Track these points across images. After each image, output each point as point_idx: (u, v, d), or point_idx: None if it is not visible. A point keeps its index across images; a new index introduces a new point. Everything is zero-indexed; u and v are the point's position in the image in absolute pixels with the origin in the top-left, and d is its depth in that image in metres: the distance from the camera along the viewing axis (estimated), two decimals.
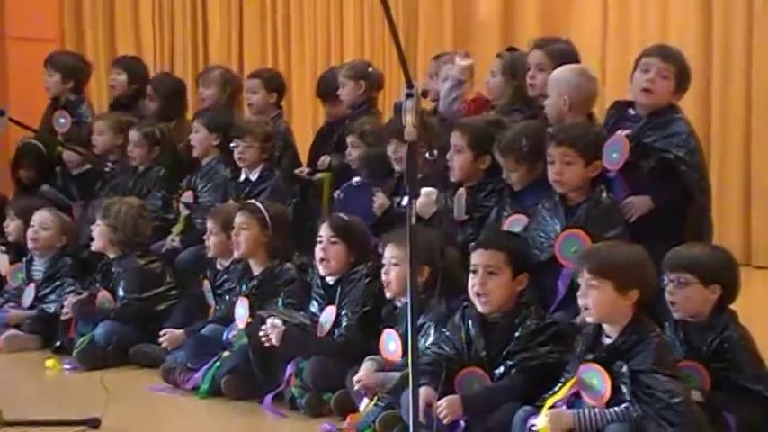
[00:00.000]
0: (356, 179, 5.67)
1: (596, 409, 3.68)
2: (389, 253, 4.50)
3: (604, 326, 3.82)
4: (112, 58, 8.10)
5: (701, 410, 3.70)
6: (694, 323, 3.97)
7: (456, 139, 4.81)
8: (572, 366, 3.87)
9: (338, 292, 4.80)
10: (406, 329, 3.32)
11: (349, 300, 4.75)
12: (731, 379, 3.88)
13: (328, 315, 4.80)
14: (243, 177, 6.01)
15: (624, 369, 3.67)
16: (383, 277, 4.52)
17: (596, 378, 3.74)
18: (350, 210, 5.36)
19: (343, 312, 4.74)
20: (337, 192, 5.75)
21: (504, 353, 4.05)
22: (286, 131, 6.58)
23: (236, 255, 5.26)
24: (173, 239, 6.09)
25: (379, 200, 5.43)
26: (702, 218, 4.60)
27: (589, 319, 3.81)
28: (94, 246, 5.73)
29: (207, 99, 6.62)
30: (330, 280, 4.88)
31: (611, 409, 3.67)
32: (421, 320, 4.32)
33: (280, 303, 5.02)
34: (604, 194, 4.50)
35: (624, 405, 3.66)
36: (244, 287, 5.20)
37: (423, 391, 3.90)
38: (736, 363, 3.90)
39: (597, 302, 3.76)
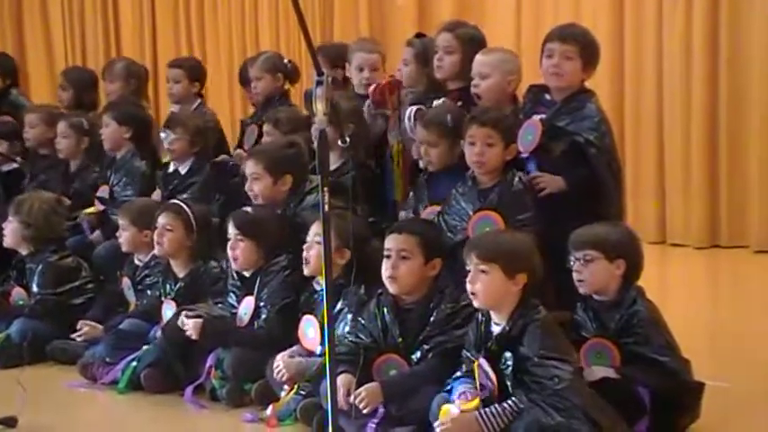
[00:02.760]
0: None
1: (495, 407, 3.73)
2: (314, 230, 4.49)
3: (492, 314, 3.87)
4: (21, 52, 7.96)
5: (593, 393, 3.75)
6: (603, 301, 4.06)
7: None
8: (468, 349, 3.93)
9: (256, 284, 4.79)
10: (323, 317, 3.35)
11: (268, 292, 4.75)
12: (640, 352, 3.95)
13: (247, 306, 4.79)
14: (172, 168, 5.95)
15: (509, 358, 3.73)
16: (304, 253, 4.50)
17: (488, 372, 3.80)
18: None
19: (263, 304, 4.74)
20: None
21: (420, 338, 4.10)
22: (213, 119, 6.53)
23: (157, 254, 5.24)
24: (82, 216, 6.01)
25: None
26: (612, 199, 4.65)
27: (477, 304, 3.85)
28: (6, 242, 5.66)
29: (112, 93, 6.55)
30: (247, 273, 4.87)
31: (507, 403, 3.72)
32: (339, 306, 4.34)
33: (210, 304, 4.98)
34: (517, 178, 4.55)
35: (511, 400, 3.72)
36: (168, 288, 5.18)
37: (341, 378, 3.95)
38: (645, 336, 3.97)
39: (485, 287, 3.81)
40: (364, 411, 3.94)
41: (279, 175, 5.04)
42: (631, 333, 4.00)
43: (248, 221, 4.85)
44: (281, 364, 4.40)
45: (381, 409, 3.98)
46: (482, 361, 3.80)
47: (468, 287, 3.85)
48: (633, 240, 4.17)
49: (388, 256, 4.17)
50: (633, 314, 4.01)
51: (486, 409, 3.73)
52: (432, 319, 4.11)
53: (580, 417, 3.61)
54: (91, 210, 6.09)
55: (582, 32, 4.77)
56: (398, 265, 4.14)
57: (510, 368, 3.75)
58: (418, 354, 4.10)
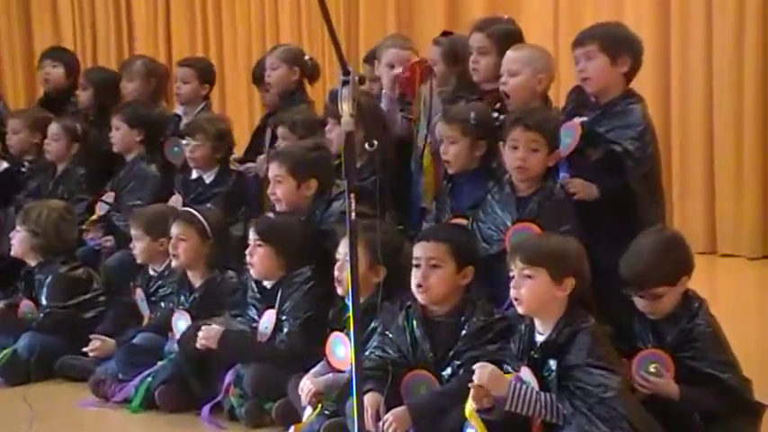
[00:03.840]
0: None
1: (532, 389, 3.73)
2: (343, 249, 4.46)
3: (537, 323, 3.87)
4: (28, 50, 8.01)
5: (640, 407, 3.76)
6: (662, 314, 4.07)
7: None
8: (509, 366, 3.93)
9: (278, 296, 4.81)
10: (354, 333, 3.38)
11: (290, 304, 4.77)
12: (697, 367, 3.98)
13: (268, 320, 4.82)
14: (195, 175, 6.00)
15: (553, 367, 3.73)
16: (335, 273, 4.48)
17: (530, 382, 3.81)
18: None
19: (284, 318, 4.77)
20: None
21: (451, 353, 4.10)
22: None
23: (174, 265, 5.27)
24: (85, 228, 6.05)
25: None
26: (648, 209, 4.62)
27: (521, 311, 3.86)
28: (14, 252, 5.72)
29: (130, 93, 6.60)
30: (267, 284, 4.90)
31: (547, 394, 3.72)
32: (374, 324, 4.34)
33: (227, 317, 5.01)
34: (558, 186, 4.53)
35: (550, 395, 3.72)
36: (183, 299, 5.21)
37: (368, 397, 3.97)
38: (703, 351, 4.00)
39: (530, 293, 3.81)
40: None
41: (303, 179, 5.05)
42: (689, 347, 4.02)
43: (269, 226, 4.88)
44: (307, 382, 4.38)
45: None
46: (524, 370, 3.80)
47: (512, 293, 3.84)
48: (687, 248, 4.16)
49: (418, 266, 4.18)
50: (693, 328, 4.03)
51: (524, 386, 3.74)
52: (463, 332, 4.12)
53: (625, 428, 3.61)
54: (92, 218, 6.13)
55: (601, 29, 4.76)
56: (428, 274, 4.15)
57: (553, 376, 3.74)
58: (449, 370, 4.10)
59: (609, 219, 4.40)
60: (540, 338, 3.86)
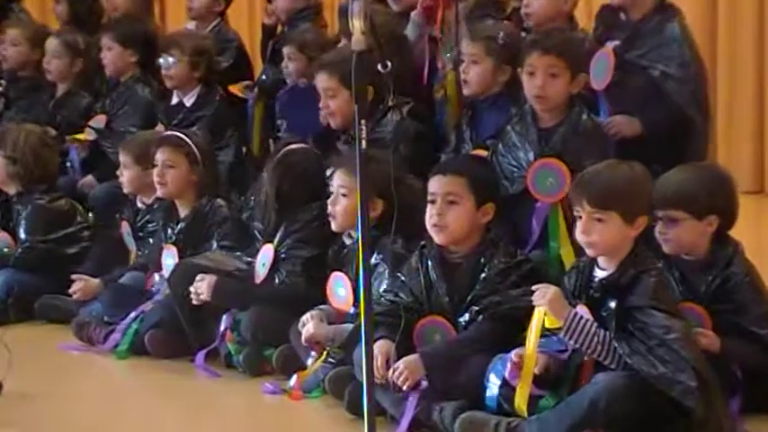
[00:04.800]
0: (303, 80, 5.61)
1: (592, 321, 3.72)
2: (338, 181, 4.52)
3: (600, 259, 3.86)
4: None
5: (700, 351, 3.76)
6: (692, 261, 4.06)
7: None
8: None
9: (279, 231, 4.84)
10: (358, 272, 3.36)
11: (292, 242, 4.81)
12: (736, 323, 3.97)
13: (265, 256, 4.84)
14: (175, 100, 6.00)
15: (612, 305, 3.72)
16: (329, 208, 4.54)
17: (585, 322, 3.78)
18: (292, 116, 5.35)
19: (284, 257, 4.80)
20: (280, 93, 5.69)
21: (470, 298, 4.10)
22: (237, 39, 6.55)
23: (160, 194, 5.29)
24: (68, 141, 6.05)
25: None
26: (700, 139, 4.65)
27: (591, 254, 3.85)
28: None
29: (116, 8, 6.57)
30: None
31: (606, 332, 3.70)
32: (373, 261, 4.33)
33: (214, 247, 5.09)
34: (585, 116, 4.51)
35: (608, 334, 3.71)
36: (170, 231, 5.23)
37: (378, 345, 3.96)
38: (741, 304, 3.98)
39: (603, 238, 3.78)
40: (404, 388, 3.95)
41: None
42: (726, 299, 4.00)
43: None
44: (309, 322, 4.41)
45: (424, 383, 3.99)
46: (580, 307, 3.79)
47: (582, 238, 3.81)
48: (726, 187, 4.14)
49: (433, 202, 4.17)
50: (728, 277, 4.01)
51: (584, 318, 3.72)
52: (483, 275, 4.11)
53: (689, 372, 3.60)
54: (80, 136, 6.13)
55: None
56: (445, 211, 4.14)
57: (612, 315, 3.73)
58: (466, 316, 4.10)
59: (658, 157, 4.36)
60: (600, 274, 3.85)
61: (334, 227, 4.56)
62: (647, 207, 3.83)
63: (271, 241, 4.85)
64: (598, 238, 3.78)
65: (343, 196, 4.50)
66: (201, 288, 4.78)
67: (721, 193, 4.10)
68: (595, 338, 3.69)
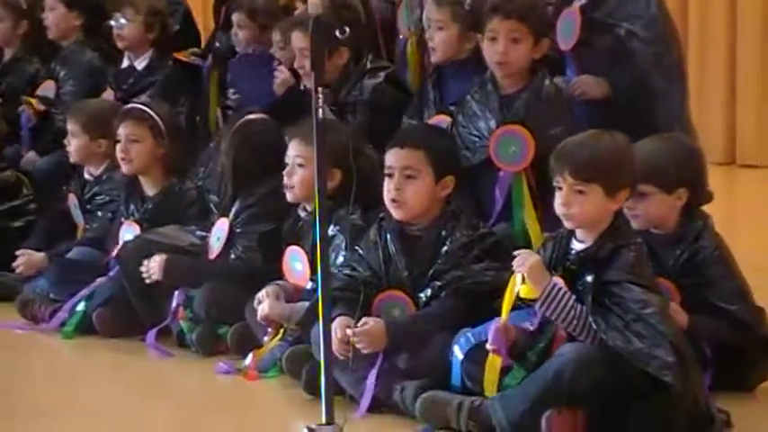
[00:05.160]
0: (255, 47, 5.60)
1: (570, 294, 3.72)
2: (294, 151, 4.52)
3: (577, 230, 3.85)
4: None
5: (678, 326, 3.79)
6: (660, 235, 4.08)
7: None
8: None
9: (234, 206, 4.86)
10: (314, 245, 3.36)
11: (247, 216, 4.82)
12: (704, 298, 4.01)
13: (220, 230, 4.85)
14: (126, 63, 5.96)
15: (589, 280, 3.73)
16: (285, 180, 4.54)
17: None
18: (244, 84, 5.33)
19: (240, 231, 4.82)
20: (232, 60, 5.68)
21: (431, 272, 4.10)
22: (184, 4, 6.54)
23: (125, 172, 5.23)
24: (22, 107, 6.02)
25: (282, 75, 5.37)
26: (669, 106, 4.65)
27: (569, 226, 3.84)
28: None
29: None
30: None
31: (582, 306, 3.69)
32: (330, 232, 4.31)
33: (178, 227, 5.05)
34: (547, 81, 4.52)
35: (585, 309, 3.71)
36: (132, 208, 5.21)
37: (337, 321, 3.97)
38: (710, 278, 4.03)
39: (584, 210, 3.77)
40: (364, 352, 3.96)
41: (334, 47, 4.92)
42: (694, 273, 4.03)
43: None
44: (264, 300, 4.42)
45: (381, 357, 3.99)
46: (556, 280, 3.77)
47: (561, 210, 3.80)
48: (695, 160, 4.16)
49: (391, 176, 4.17)
50: (697, 251, 4.04)
51: (563, 290, 3.71)
52: (444, 249, 4.11)
53: (666, 347, 3.60)
54: (33, 100, 6.07)
55: None
56: (403, 186, 4.14)
57: (588, 289, 3.73)
58: (428, 292, 4.10)
59: (626, 121, 4.34)
60: (578, 247, 3.84)
61: (290, 198, 4.56)
62: (630, 180, 3.82)
63: (226, 215, 4.86)
64: (578, 211, 3.77)
65: (299, 167, 4.50)
66: (152, 268, 4.78)
67: (690, 167, 4.11)
68: (572, 312, 3.69)
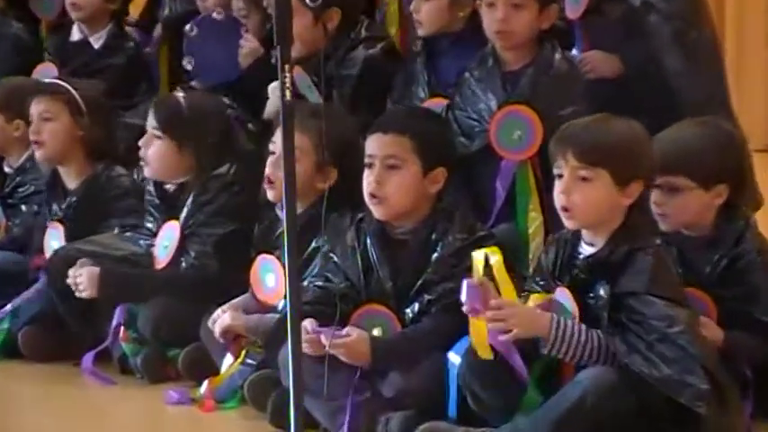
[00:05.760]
0: (218, 12, 5.58)
1: (580, 326, 3.71)
2: (280, 136, 4.49)
3: (584, 233, 3.87)
4: None
5: (711, 346, 3.78)
6: (693, 238, 4.08)
7: None
8: (536, 281, 3.94)
9: (186, 204, 4.88)
10: (287, 255, 3.37)
11: (202, 216, 4.83)
12: (746, 312, 4.00)
13: (169, 236, 4.85)
14: (77, 37, 5.99)
15: (602, 292, 3.73)
16: (267, 171, 4.52)
17: (569, 308, 3.80)
18: (205, 55, 5.36)
19: (194, 234, 4.83)
20: (188, 27, 5.63)
21: (419, 283, 4.09)
22: None
23: (38, 158, 5.29)
24: None
25: (249, 43, 5.40)
26: (694, 87, 4.68)
27: (570, 225, 3.85)
28: None
29: None
30: (170, 186, 4.96)
31: (597, 333, 3.69)
32: (315, 244, 4.37)
33: (116, 231, 5.09)
34: (558, 55, 4.55)
35: (600, 333, 3.71)
36: (55, 207, 5.23)
37: (307, 320, 3.99)
38: (753, 289, 4.01)
39: (587, 201, 3.77)
40: (343, 359, 3.99)
41: (323, 8, 4.90)
42: (734, 283, 4.01)
43: (174, 111, 4.90)
44: (225, 316, 4.43)
45: (360, 382, 4.00)
46: (561, 291, 3.79)
47: (561, 200, 3.80)
48: (738, 150, 4.15)
49: (371, 166, 4.17)
50: (737, 256, 4.03)
51: (569, 322, 3.70)
52: (435, 255, 4.09)
53: (698, 373, 3.59)
54: None
55: None
56: (385, 178, 4.14)
57: (603, 303, 3.73)
58: (416, 306, 4.09)
59: (640, 105, 4.37)
60: (586, 251, 3.85)
61: (271, 196, 4.54)
62: (645, 171, 3.82)
63: (176, 216, 4.85)
64: (580, 200, 3.77)
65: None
66: (81, 281, 4.77)
67: (733, 158, 4.11)
68: (588, 345, 3.69)
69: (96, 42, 5.94)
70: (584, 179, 3.77)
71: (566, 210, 3.80)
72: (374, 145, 4.19)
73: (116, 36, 5.95)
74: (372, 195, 4.15)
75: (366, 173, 4.19)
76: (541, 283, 3.91)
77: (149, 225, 4.99)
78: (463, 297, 3.73)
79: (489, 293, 3.72)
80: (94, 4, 5.87)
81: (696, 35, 4.74)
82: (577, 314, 3.75)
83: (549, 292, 3.84)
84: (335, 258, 4.24)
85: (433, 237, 4.13)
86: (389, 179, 4.15)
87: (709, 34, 4.85)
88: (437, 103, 4.75)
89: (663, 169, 3.99)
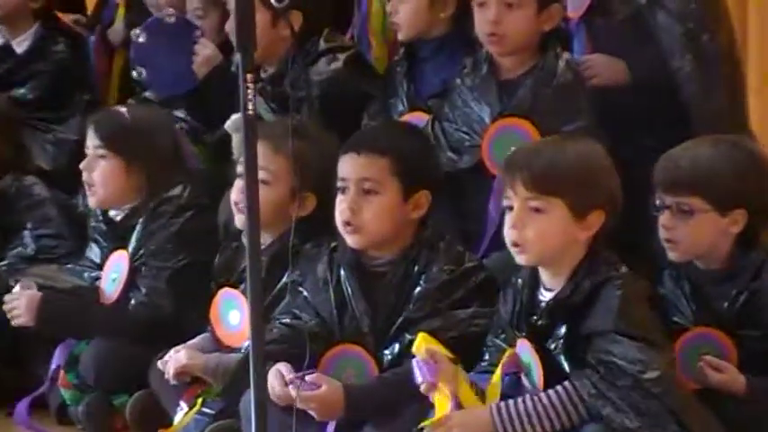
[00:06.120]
0: (169, 12, 5.61)
1: (526, 398, 3.70)
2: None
3: (543, 274, 3.86)
4: None
5: (693, 396, 3.78)
6: (708, 271, 4.06)
7: None
8: (498, 331, 3.92)
9: (135, 232, 4.88)
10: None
11: (153, 246, 4.85)
12: (765, 352, 3.97)
13: (117, 267, 4.85)
14: (0, 41, 6.00)
15: (562, 331, 3.72)
16: (233, 196, 4.54)
17: (531, 361, 3.80)
18: (156, 64, 5.37)
19: (144, 266, 4.84)
20: (135, 32, 5.63)
21: (399, 321, 4.07)
22: None
23: None
24: None
25: (205, 50, 5.41)
26: (709, 99, 4.69)
27: (522, 261, 3.84)
28: None
29: None
30: (116, 213, 4.96)
31: (550, 393, 3.68)
32: (287, 279, 4.34)
33: (27, 240, 5.19)
34: (562, 63, 4.57)
35: (559, 387, 3.69)
36: None
37: (274, 372, 3.98)
38: None
39: (541, 236, 3.76)
40: (316, 418, 3.97)
41: (281, 11, 4.75)
42: (755, 321, 3.98)
43: (119, 125, 4.90)
44: (179, 355, 4.44)
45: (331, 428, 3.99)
46: (522, 344, 3.78)
47: (510, 234, 3.79)
48: (760, 172, 4.12)
49: (344, 190, 4.17)
50: (757, 291, 4.00)
51: (510, 402, 3.71)
52: (418, 289, 4.09)
53: (672, 427, 3.58)
54: None
55: None
56: (360, 205, 4.13)
57: (560, 346, 3.74)
58: (395, 347, 4.07)
59: (648, 117, 4.43)
60: (546, 296, 3.83)
61: (239, 224, 4.51)
62: (605, 197, 3.81)
63: (124, 246, 4.84)
64: (533, 234, 3.76)
65: (262, 183, 4.43)
66: (18, 305, 4.76)
67: (753, 180, 4.07)
68: (544, 413, 3.67)
69: (19, 47, 5.94)
70: (536, 210, 3.77)
71: (516, 245, 3.80)
72: (347, 167, 4.19)
73: (43, 38, 5.96)
74: (347, 223, 4.15)
75: (339, 198, 4.18)
76: (502, 336, 3.92)
77: (93, 256, 5.00)
78: (417, 377, 3.78)
79: (443, 362, 3.77)
80: (13, 3, 5.87)
81: (708, 38, 4.74)
82: (540, 367, 3.76)
83: (512, 345, 3.85)
84: (305, 293, 4.25)
85: (416, 268, 4.13)
86: (365, 205, 4.14)
87: (725, 40, 4.85)
88: (418, 118, 4.75)
89: (674, 189, 4.00)
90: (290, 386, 3.95)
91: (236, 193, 4.49)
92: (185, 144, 5.21)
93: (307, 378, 3.96)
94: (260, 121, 4.63)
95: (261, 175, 4.32)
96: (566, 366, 3.71)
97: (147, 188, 4.90)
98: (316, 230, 4.27)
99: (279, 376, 3.96)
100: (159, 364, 4.46)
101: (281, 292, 4.37)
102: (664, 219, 4.02)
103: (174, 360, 4.42)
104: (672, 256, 4.04)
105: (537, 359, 3.77)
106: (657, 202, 4.04)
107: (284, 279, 4.37)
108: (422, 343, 3.78)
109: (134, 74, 5.57)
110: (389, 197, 4.14)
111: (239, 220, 4.49)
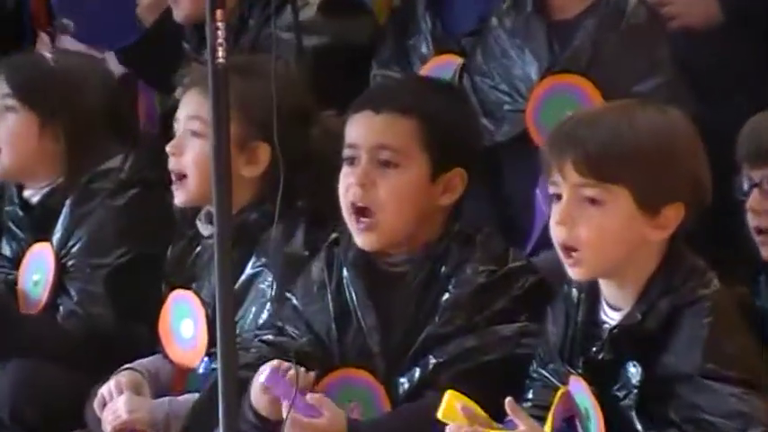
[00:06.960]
0: None
1: None
2: (186, 110, 4.55)
3: (604, 285, 3.81)
4: None
5: None
6: None
7: None
8: (546, 359, 3.91)
9: (61, 218, 4.95)
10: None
11: (85, 236, 4.93)
12: None
13: (40, 266, 4.92)
14: None
15: (632, 378, 3.68)
16: (170, 163, 4.55)
17: (589, 407, 3.76)
18: (89, 12, 5.51)
19: (74, 266, 4.92)
20: None
21: (420, 339, 4.05)
22: None
23: None
24: None
25: None
26: None
27: (576, 275, 3.78)
28: None
29: None
30: (33, 194, 5.03)
31: None
32: (250, 269, 4.41)
33: None
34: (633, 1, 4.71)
35: None
36: None
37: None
38: None
39: (597, 234, 3.72)
40: None
41: None
42: None
43: (35, 71, 5.07)
44: (117, 397, 4.48)
45: None
46: (575, 382, 3.73)
47: (558, 232, 3.73)
48: None
49: (353, 161, 4.14)
50: None
51: None
52: (446, 297, 4.07)
53: None
54: None
55: None
56: (374, 182, 4.10)
57: (634, 396, 3.67)
58: (416, 373, 4.06)
59: (744, 68, 4.51)
60: (610, 317, 3.78)
61: (179, 199, 4.58)
62: (689, 185, 3.76)
63: (46, 238, 4.87)
64: (587, 236, 3.72)
65: (194, 136, 4.45)
66: None
67: None
68: None
69: None
70: (592, 201, 3.72)
71: (567, 249, 3.75)
72: (359, 130, 4.17)
73: None
74: (356, 206, 4.08)
75: (345, 172, 4.15)
76: (551, 366, 3.91)
77: (6, 253, 5.09)
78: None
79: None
80: None
81: None
82: (601, 418, 3.74)
83: (564, 382, 3.84)
84: (294, 300, 4.23)
85: (444, 270, 4.11)
86: (381, 182, 4.12)
87: None
88: (447, 62, 4.80)
89: (763, 162, 4.04)
90: (284, 402, 3.92)
91: (171, 155, 4.57)
92: (145, 104, 5.35)
93: (307, 397, 3.96)
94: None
95: (192, 125, 4.57)
96: (638, 425, 3.68)
97: (72, 158, 4.93)
98: (273, 196, 4.05)
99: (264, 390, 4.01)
100: (95, 404, 4.49)
101: (245, 289, 4.41)
102: (752, 201, 4.04)
103: (110, 411, 4.45)
104: (766, 252, 4.06)
105: (596, 406, 3.73)
106: (745, 181, 4.06)
107: (248, 270, 4.41)
108: (453, 401, 3.67)
109: (58, 24, 5.75)
110: (413, 173, 4.12)
111: (179, 195, 4.59)
